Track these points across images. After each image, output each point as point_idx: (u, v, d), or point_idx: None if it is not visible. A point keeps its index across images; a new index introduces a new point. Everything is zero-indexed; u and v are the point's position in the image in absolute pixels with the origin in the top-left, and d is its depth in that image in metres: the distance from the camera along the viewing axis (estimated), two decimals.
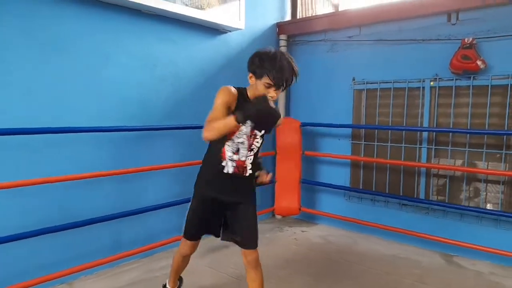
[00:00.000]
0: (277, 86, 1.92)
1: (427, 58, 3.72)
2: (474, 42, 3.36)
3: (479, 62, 3.34)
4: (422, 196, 3.84)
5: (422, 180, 3.84)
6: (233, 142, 2.03)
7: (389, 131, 4.01)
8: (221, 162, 2.04)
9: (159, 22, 3.39)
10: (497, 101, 3.43)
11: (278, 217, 4.73)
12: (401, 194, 3.95)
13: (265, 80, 1.90)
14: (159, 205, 3.35)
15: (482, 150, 3.49)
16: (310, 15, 4.75)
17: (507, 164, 3.41)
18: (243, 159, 2.06)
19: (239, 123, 1.83)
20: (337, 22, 4.29)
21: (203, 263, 3.36)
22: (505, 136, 3.38)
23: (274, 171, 4.36)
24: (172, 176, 3.59)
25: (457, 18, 3.58)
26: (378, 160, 4.07)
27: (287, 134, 4.21)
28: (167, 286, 2.58)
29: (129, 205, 3.19)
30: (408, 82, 3.86)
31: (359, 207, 4.24)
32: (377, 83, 4.06)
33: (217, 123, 1.88)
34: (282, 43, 4.60)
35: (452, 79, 3.59)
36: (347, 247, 3.80)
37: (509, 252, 3.21)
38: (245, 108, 1.83)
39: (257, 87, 1.94)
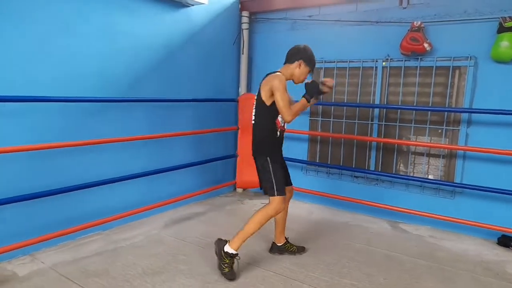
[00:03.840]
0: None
1: (380, 40, 3.97)
2: (422, 25, 3.63)
3: (425, 45, 3.62)
4: (372, 168, 4.16)
5: (373, 153, 4.15)
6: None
7: (344, 107, 4.26)
8: (277, 130, 2.72)
9: None
10: (440, 81, 3.75)
11: (239, 190, 4.90)
12: (353, 166, 4.25)
13: (310, 68, 2.73)
14: (118, 178, 3.32)
15: (426, 126, 3.83)
16: None
17: (447, 139, 3.78)
18: (282, 124, 2.74)
19: (308, 102, 2.68)
20: (298, 1, 4.41)
21: (168, 233, 3.45)
22: (445, 113, 3.73)
23: (236, 146, 4.49)
24: (130, 149, 3.62)
25: (408, 3, 3.83)
26: (334, 135, 4.32)
27: (249, 109, 4.31)
28: (230, 250, 2.62)
29: (84, 178, 3.16)
30: (363, 61, 4.10)
31: (315, 179, 4.50)
32: (334, 62, 4.27)
33: (295, 108, 2.61)
34: (244, 19, 4.66)
35: (402, 60, 3.87)
36: (302, 217, 4.05)
37: (446, 217, 3.60)
38: (311, 92, 2.68)
39: (300, 71, 2.71)
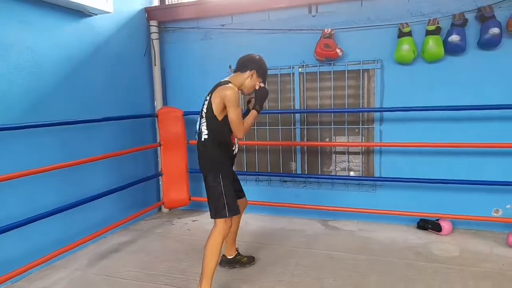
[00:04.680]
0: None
1: (295, 47, 4.09)
2: (333, 32, 3.84)
3: (338, 50, 3.83)
4: (299, 171, 4.26)
5: (298, 157, 4.25)
6: None
7: (267, 115, 4.29)
8: (232, 146, 2.59)
9: (14, 1, 2.84)
10: (353, 84, 4.01)
11: (165, 210, 4.58)
12: (281, 172, 4.30)
13: (261, 79, 2.64)
14: (25, 221, 2.73)
15: (344, 126, 4.06)
16: (178, 2, 4.63)
17: (364, 137, 4.05)
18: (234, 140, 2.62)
19: (259, 113, 2.62)
20: (208, 10, 4.31)
21: (94, 271, 3.03)
22: (360, 114, 4.00)
23: (159, 164, 4.19)
24: (37, 183, 3.10)
25: (317, 11, 4.01)
26: (259, 142, 4.32)
27: (171, 124, 4.08)
28: None
29: None
30: (280, 69, 4.17)
31: (245, 188, 4.39)
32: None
33: (247, 122, 2.52)
34: (153, 29, 4.38)
35: (316, 65, 4.04)
36: (239, 229, 3.93)
37: (371, 210, 3.85)
38: (261, 100, 2.63)
39: (252, 81, 2.58)
